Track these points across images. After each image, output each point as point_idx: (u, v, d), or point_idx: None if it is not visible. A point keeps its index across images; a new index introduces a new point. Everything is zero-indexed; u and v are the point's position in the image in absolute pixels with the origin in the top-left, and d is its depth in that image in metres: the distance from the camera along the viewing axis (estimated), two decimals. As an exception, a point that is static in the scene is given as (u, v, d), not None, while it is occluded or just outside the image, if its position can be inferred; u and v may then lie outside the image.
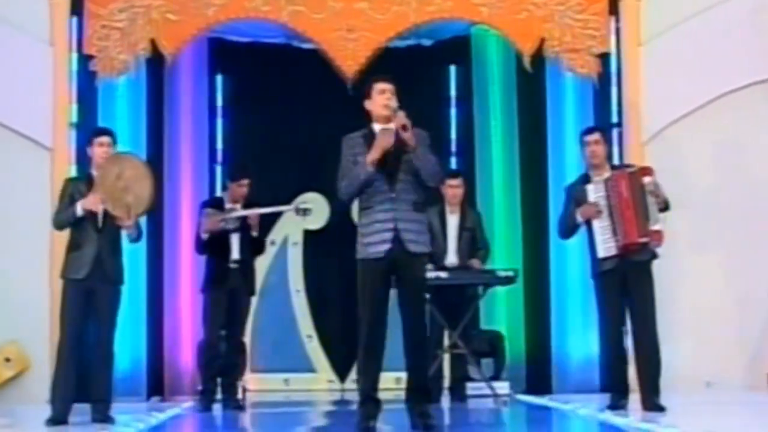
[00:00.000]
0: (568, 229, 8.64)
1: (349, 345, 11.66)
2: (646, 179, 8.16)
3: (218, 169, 11.77)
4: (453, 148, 12.11)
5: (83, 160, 10.51)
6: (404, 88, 11.28)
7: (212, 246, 9.50)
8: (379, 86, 7.14)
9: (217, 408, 9.48)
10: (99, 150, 8.04)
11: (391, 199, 6.96)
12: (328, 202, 11.67)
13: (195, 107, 11.62)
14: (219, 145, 11.83)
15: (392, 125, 7.01)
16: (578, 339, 10.95)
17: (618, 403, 8.25)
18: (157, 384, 10.99)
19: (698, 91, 10.85)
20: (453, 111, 12.06)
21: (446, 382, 10.44)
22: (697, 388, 10.31)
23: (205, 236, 9.47)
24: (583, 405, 8.61)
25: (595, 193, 8.29)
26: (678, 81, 10.82)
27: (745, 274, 10.75)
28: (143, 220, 8.72)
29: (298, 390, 11.46)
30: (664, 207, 8.23)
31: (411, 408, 7.12)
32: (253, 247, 9.69)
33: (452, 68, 12.05)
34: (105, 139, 8.10)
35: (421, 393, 7.13)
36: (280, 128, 11.87)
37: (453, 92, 12.07)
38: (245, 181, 9.66)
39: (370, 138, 7.10)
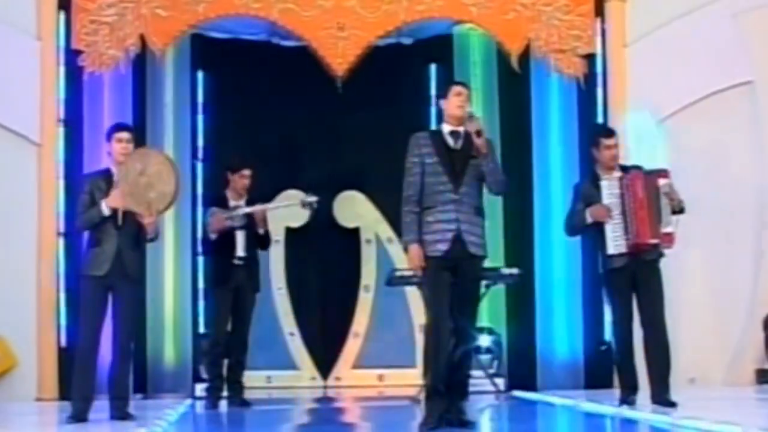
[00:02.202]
0: (575, 228, 8.72)
1: (331, 342, 11.81)
2: (662, 181, 8.24)
3: (199, 166, 11.68)
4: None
5: (71, 156, 10.55)
6: (385, 86, 11.64)
7: (217, 244, 9.47)
8: (456, 89, 7.27)
9: (222, 405, 9.49)
10: (118, 146, 7.94)
11: (454, 201, 7.04)
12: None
13: (177, 104, 11.50)
14: (200, 142, 11.74)
15: (463, 127, 7.14)
16: (563, 336, 11.11)
17: (628, 399, 8.35)
18: (140, 382, 10.93)
19: (682, 92, 11.07)
20: (433, 110, 12.04)
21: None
22: (680, 384, 10.47)
23: (213, 237, 9.44)
24: (589, 400, 8.72)
25: (609, 189, 8.34)
26: (662, 82, 11.03)
27: (726, 271, 11.01)
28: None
29: (281, 387, 11.44)
30: (679, 210, 8.32)
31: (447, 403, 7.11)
32: (259, 243, 9.67)
33: (433, 67, 12.10)
34: (124, 134, 7.99)
35: (459, 390, 7.13)
36: (261, 125, 11.83)
37: (434, 91, 12.09)
38: (246, 172, 9.64)
39: (438, 137, 7.20)
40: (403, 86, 11.94)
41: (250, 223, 9.51)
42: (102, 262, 7.83)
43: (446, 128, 7.24)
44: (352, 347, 11.74)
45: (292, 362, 11.71)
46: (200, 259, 11.12)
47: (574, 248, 10.88)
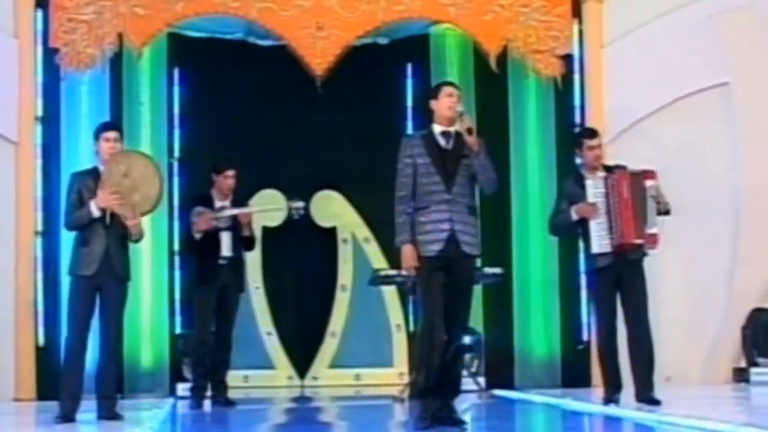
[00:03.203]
0: (560, 227, 8.75)
1: (308, 341, 11.81)
2: (649, 183, 8.28)
3: (175, 165, 11.61)
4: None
5: (49, 154, 10.51)
6: (361, 86, 11.64)
7: (202, 244, 9.45)
8: (448, 89, 7.27)
9: (206, 404, 9.47)
10: (105, 145, 7.91)
11: (447, 201, 7.06)
12: (287, 199, 11.64)
13: (153, 102, 11.40)
14: (176, 141, 11.65)
15: (454, 127, 7.16)
16: (540, 335, 11.17)
17: (612, 397, 8.39)
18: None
19: (658, 92, 11.20)
20: (410, 109, 12.04)
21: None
22: (657, 382, 10.53)
23: (197, 236, 9.42)
24: (571, 399, 8.78)
25: (594, 188, 8.35)
26: (639, 83, 11.15)
27: (702, 271, 11.12)
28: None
29: (258, 387, 11.40)
30: (665, 211, 8.34)
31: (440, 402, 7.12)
32: (244, 244, 9.67)
33: (409, 67, 12.10)
34: (112, 134, 7.96)
35: (451, 389, 7.15)
36: (237, 125, 11.76)
37: (410, 91, 12.10)
38: (230, 173, 9.63)
39: (429, 137, 7.19)
40: (379, 86, 11.95)
41: (236, 224, 9.50)
42: (90, 262, 7.79)
43: (437, 129, 7.24)
44: (328, 347, 11.75)
45: (269, 362, 11.70)
46: (177, 259, 11.12)
47: (551, 248, 10.98)
